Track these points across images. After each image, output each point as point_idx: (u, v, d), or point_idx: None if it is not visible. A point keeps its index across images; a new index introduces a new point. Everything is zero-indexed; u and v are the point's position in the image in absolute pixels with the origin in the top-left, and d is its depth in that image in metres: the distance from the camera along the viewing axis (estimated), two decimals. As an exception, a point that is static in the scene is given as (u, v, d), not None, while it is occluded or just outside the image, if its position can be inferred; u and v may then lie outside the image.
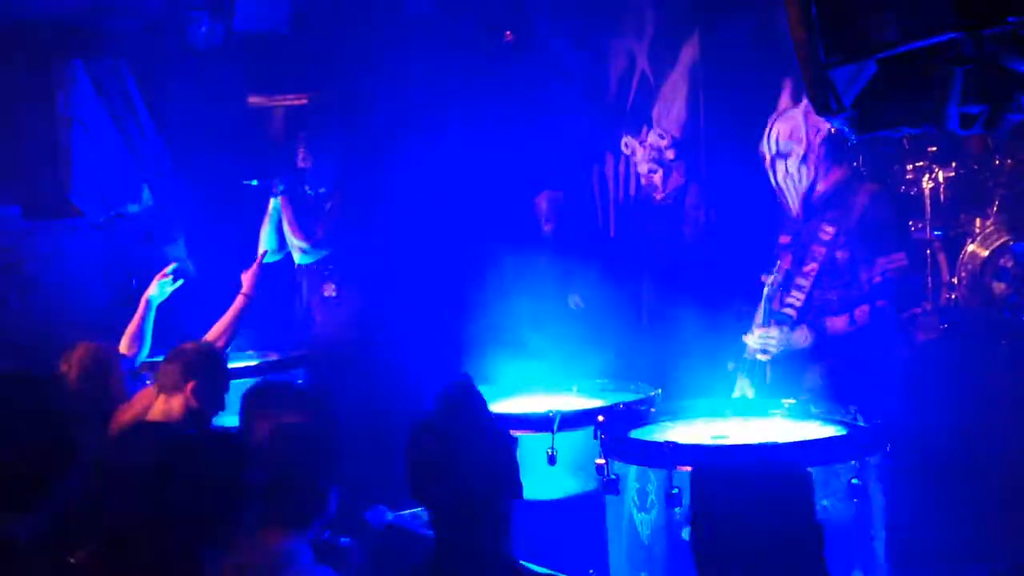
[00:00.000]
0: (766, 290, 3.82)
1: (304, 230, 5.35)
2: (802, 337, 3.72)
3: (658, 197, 5.15)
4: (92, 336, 4.21)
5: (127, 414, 3.61)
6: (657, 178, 5.12)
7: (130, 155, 5.66)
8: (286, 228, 5.42)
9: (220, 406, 3.59)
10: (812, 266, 3.77)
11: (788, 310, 3.80)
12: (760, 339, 3.77)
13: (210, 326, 4.47)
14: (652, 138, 5.15)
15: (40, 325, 5.41)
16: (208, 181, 6.23)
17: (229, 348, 4.43)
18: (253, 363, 4.83)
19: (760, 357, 3.79)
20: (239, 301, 4.54)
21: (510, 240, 5.79)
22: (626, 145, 5.30)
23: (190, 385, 3.46)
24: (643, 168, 5.14)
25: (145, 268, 5.43)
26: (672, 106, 6.32)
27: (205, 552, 2.13)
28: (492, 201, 6.06)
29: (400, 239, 6.11)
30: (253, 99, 7.24)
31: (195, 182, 6.11)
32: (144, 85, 5.76)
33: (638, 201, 5.83)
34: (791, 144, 3.83)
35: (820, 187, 3.85)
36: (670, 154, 5.17)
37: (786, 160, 3.85)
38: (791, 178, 3.86)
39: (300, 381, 4.79)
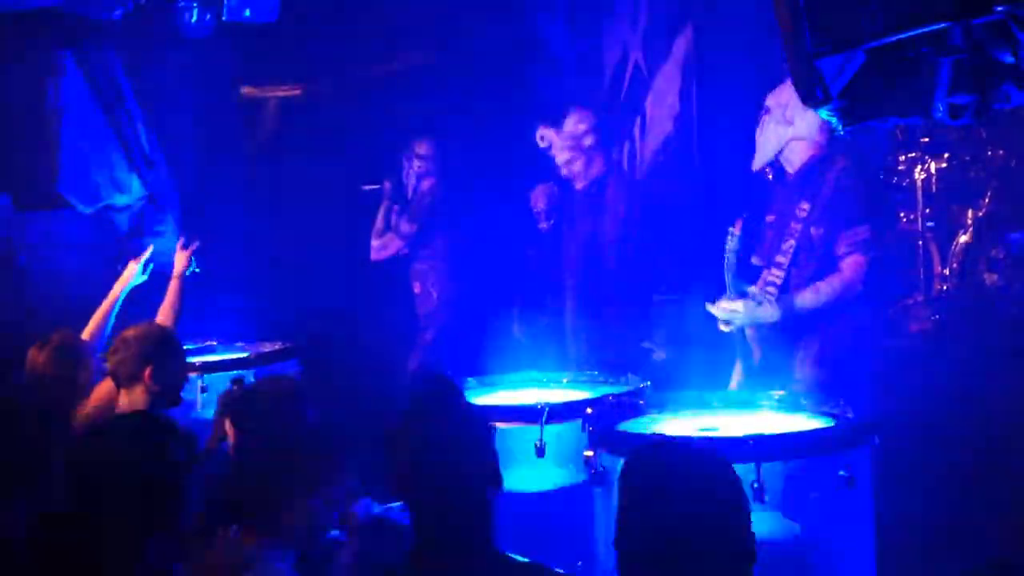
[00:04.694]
0: (726, 260, 3.84)
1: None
2: (768, 312, 3.73)
3: (579, 187, 5.08)
4: (82, 327, 4.21)
5: (87, 407, 3.58)
6: (578, 166, 5.03)
7: (120, 145, 5.62)
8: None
9: (184, 381, 3.55)
10: (790, 243, 3.80)
11: (770, 288, 3.82)
12: (724, 311, 3.80)
13: (195, 317, 4.44)
14: (570, 125, 5.03)
15: (31, 315, 5.40)
16: (199, 172, 6.21)
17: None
18: (243, 355, 4.79)
19: (723, 328, 3.83)
20: (174, 285, 4.48)
21: (503, 234, 5.78)
22: (542, 138, 5.16)
23: (147, 371, 3.37)
24: (562, 157, 5.03)
25: (135, 259, 5.41)
26: (665, 97, 6.30)
27: (149, 540, 2.16)
28: (486, 194, 6.04)
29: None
30: (245, 89, 7.22)
31: (186, 173, 6.09)
32: (134, 75, 5.72)
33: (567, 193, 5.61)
34: (772, 104, 3.94)
35: (793, 164, 3.90)
36: (588, 140, 5.05)
37: (765, 116, 3.96)
38: (764, 136, 3.96)
39: (291, 373, 4.77)
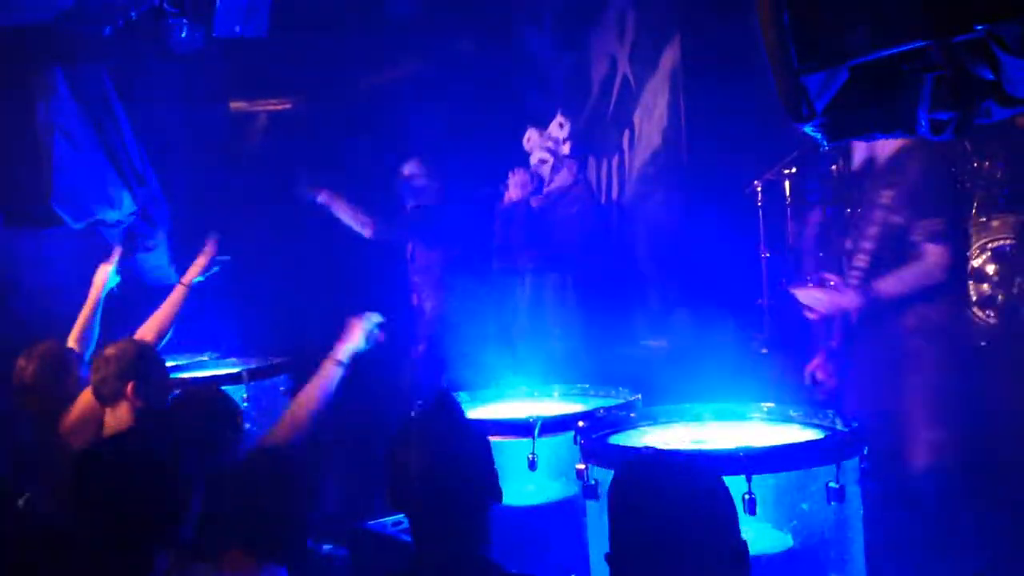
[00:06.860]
0: (803, 247, 3.99)
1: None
2: (849, 298, 3.73)
3: (544, 191, 5.12)
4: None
5: (70, 418, 3.58)
6: (546, 169, 5.05)
7: (110, 162, 5.63)
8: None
9: (168, 392, 3.54)
10: (873, 230, 3.78)
11: (855, 272, 3.80)
12: (806, 298, 3.81)
13: (187, 331, 4.44)
14: (553, 128, 5.06)
15: (20, 332, 5.38)
16: (190, 187, 6.22)
17: (163, 343, 4.35)
18: (235, 370, 4.78)
19: (808, 315, 3.83)
20: (178, 292, 4.41)
21: (490, 247, 5.80)
22: (528, 139, 5.17)
23: (129, 387, 3.37)
24: (536, 157, 5.06)
25: (126, 275, 5.41)
26: (654, 110, 6.33)
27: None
28: (477, 208, 6.06)
29: (385, 246, 6.12)
30: (235, 104, 7.24)
31: (176, 188, 6.09)
32: (123, 91, 5.73)
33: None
34: None
35: (882, 156, 3.89)
36: (566, 148, 5.07)
37: None
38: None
39: (283, 388, 4.77)
